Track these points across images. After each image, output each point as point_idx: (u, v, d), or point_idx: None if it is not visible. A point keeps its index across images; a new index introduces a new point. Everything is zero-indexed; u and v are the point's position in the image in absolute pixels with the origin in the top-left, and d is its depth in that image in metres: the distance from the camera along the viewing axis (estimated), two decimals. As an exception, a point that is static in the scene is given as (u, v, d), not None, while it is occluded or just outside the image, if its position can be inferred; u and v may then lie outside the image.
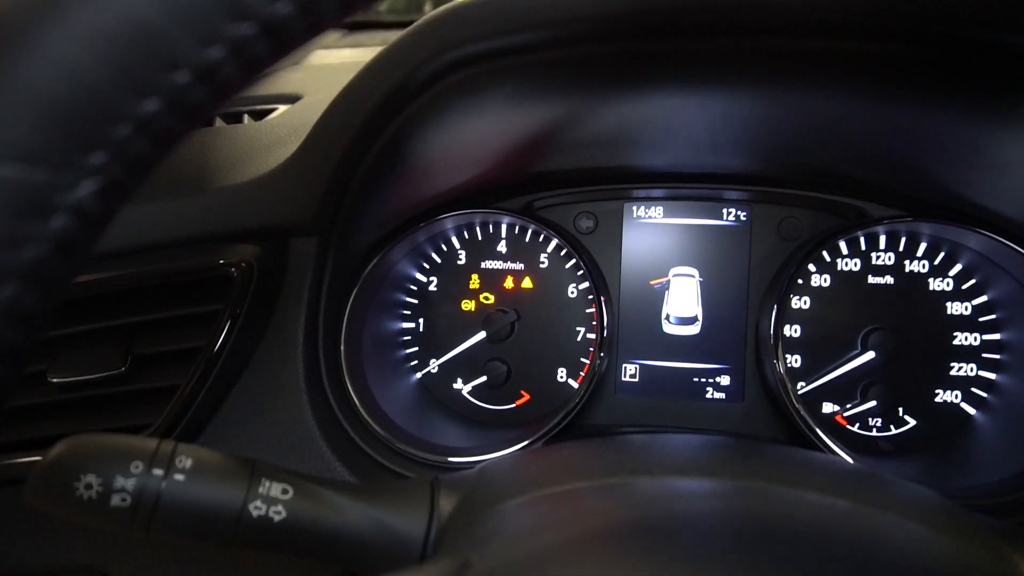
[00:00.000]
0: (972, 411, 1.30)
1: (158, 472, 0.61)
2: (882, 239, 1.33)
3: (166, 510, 0.61)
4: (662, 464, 0.67)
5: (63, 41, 0.33)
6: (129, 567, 1.13)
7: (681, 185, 1.40)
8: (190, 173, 1.17)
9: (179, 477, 0.62)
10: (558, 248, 1.43)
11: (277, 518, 0.63)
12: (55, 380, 1.08)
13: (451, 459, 1.23)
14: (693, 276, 1.42)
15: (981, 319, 1.30)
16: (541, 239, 1.44)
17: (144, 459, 0.61)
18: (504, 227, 1.45)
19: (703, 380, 1.41)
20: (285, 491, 0.64)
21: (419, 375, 1.47)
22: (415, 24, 0.93)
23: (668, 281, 1.43)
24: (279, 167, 1.10)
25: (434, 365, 1.46)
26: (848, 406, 1.33)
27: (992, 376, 1.30)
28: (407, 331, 1.48)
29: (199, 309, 1.10)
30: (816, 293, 1.36)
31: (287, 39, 0.37)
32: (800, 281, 1.35)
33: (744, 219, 1.41)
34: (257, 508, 0.62)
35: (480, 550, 0.56)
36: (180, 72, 0.35)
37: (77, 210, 0.35)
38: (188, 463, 0.63)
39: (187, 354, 1.09)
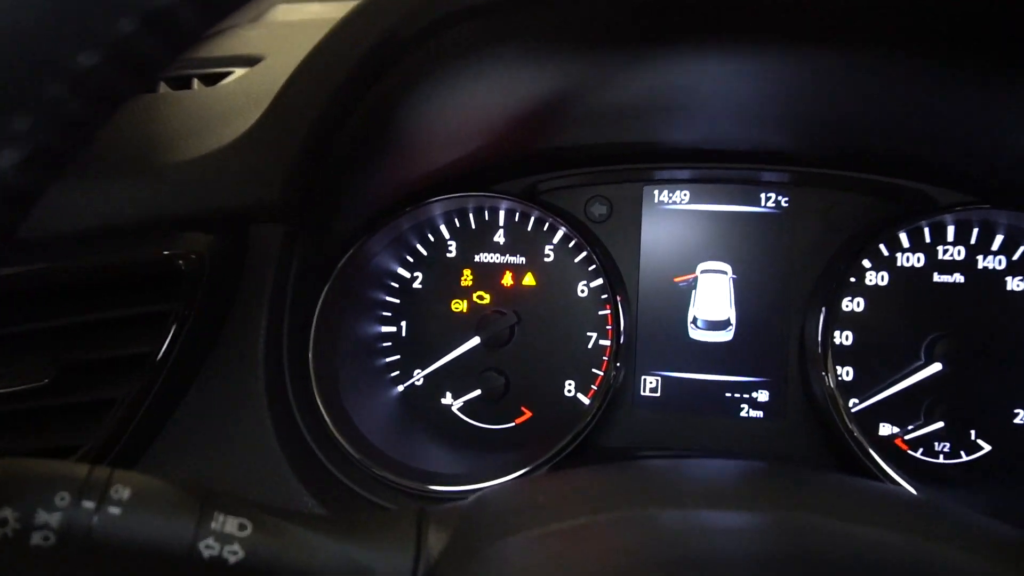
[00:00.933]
0: (1056, 434, 1.30)
1: (89, 504, 0.60)
2: (950, 230, 1.33)
3: (99, 550, 0.59)
4: (690, 494, 0.66)
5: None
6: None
7: (711, 165, 1.40)
8: (130, 148, 1.15)
9: (114, 510, 0.60)
10: (566, 239, 1.42)
11: (233, 559, 0.62)
12: (-33, 393, 1.08)
13: (440, 487, 1.22)
14: (725, 273, 1.42)
15: (1069, 325, 1.30)
16: (546, 228, 1.43)
17: (72, 488, 0.60)
18: (502, 214, 1.44)
19: (737, 395, 1.41)
20: (243, 526, 0.63)
21: (401, 388, 1.47)
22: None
23: (695, 278, 1.43)
24: (236, 141, 1.09)
25: (419, 376, 1.46)
26: (910, 427, 1.33)
27: (1083, 392, 1.29)
28: (388, 336, 1.47)
29: (141, 309, 1.09)
30: (871, 293, 1.35)
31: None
32: (852, 279, 1.35)
33: (785, 205, 1.41)
34: (209, 547, 0.61)
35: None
36: (125, 18, 0.33)
37: (-4, 184, 0.33)
38: (126, 493, 0.61)
39: (126, 363, 1.08)
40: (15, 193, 0.34)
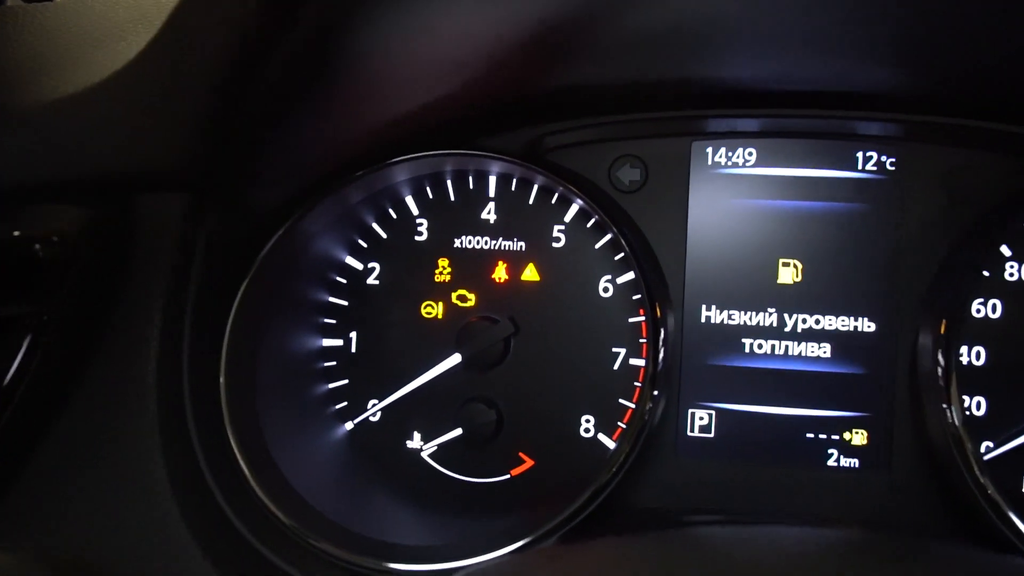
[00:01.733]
0: None
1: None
2: None
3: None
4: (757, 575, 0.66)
5: None
6: None
7: (787, 112, 1.39)
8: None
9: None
10: (583, 216, 1.42)
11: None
12: None
13: (403, 566, 1.22)
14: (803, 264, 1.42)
15: None
16: (554, 201, 1.43)
17: None
18: (493, 181, 1.45)
19: (823, 436, 1.41)
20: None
21: (351, 425, 1.47)
22: None
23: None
24: (116, 74, 1.07)
25: (375, 409, 1.46)
26: (1067, 481, 1.32)
27: None
28: (332, 352, 1.48)
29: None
30: (1013, 293, 1.35)
31: None
32: (986, 273, 1.34)
33: (892, 168, 1.40)
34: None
35: None
36: None
37: None
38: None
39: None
40: None
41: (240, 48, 1.02)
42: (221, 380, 1.25)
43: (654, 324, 1.34)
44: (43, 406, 1.12)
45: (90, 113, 1.08)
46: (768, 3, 1.12)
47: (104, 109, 1.08)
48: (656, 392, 1.32)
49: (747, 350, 1.43)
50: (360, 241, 1.46)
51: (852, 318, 1.40)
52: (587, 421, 1.43)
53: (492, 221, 1.44)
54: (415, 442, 1.46)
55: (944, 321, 1.29)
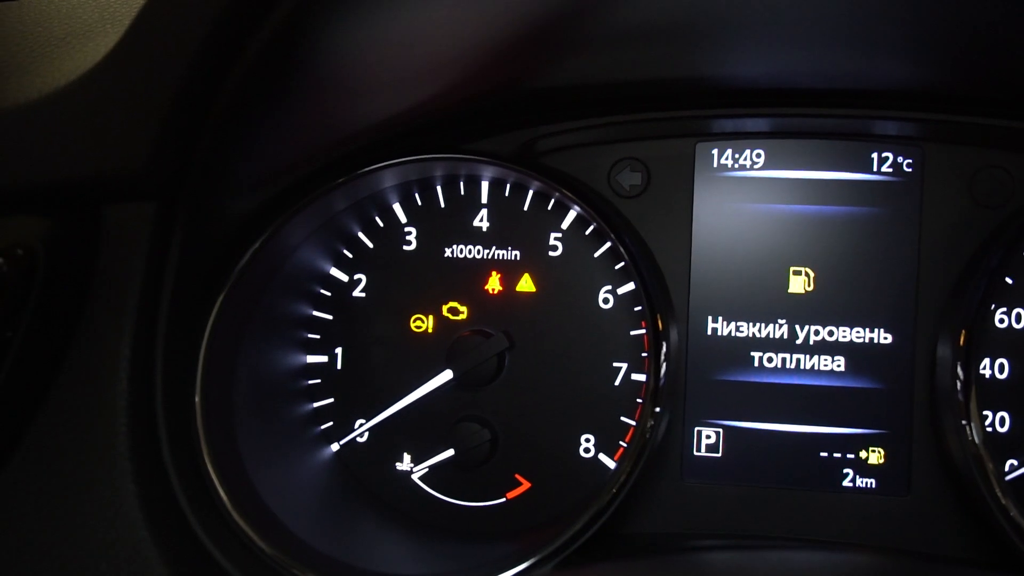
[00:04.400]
0: None
1: None
2: None
3: None
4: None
5: None
6: None
7: (797, 111, 1.40)
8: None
9: None
10: (581, 222, 1.43)
11: None
12: None
13: None
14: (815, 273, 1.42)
15: None
16: (550, 207, 1.44)
17: None
18: (486, 186, 1.45)
19: (838, 455, 1.41)
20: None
21: (336, 447, 1.47)
22: None
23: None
24: (83, 77, 1.08)
25: (362, 429, 1.46)
26: (1096, 502, 1.32)
27: None
28: (315, 370, 1.48)
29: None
30: (1040, 302, 1.35)
31: None
32: (1010, 280, 1.35)
33: (911, 170, 1.40)
34: None
35: None
36: None
37: None
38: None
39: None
40: None
41: (209, 48, 1.03)
42: (196, 400, 1.25)
43: (656, 337, 1.34)
44: (5, 431, 1.12)
45: (55, 117, 1.09)
46: (776, 7, 1.12)
47: (69, 112, 1.09)
48: (659, 409, 1.32)
49: (756, 364, 1.43)
50: (345, 251, 1.47)
51: (867, 329, 1.40)
52: (587, 441, 1.43)
53: (485, 229, 1.45)
54: (405, 464, 1.46)
55: (964, 332, 1.29)
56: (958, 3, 1.12)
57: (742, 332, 1.43)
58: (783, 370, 1.42)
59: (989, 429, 1.34)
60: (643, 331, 1.40)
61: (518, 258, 1.44)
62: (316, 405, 1.47)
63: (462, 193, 1.45)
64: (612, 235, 1.36)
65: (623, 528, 1.39)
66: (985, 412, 1.33)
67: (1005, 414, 1.34)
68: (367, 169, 1.35)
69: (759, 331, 1.43)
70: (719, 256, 1.44)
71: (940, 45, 1.23)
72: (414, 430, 1.45)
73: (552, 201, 1.42)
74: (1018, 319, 1.35)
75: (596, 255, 1.42)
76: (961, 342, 1.28)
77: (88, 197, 1.15)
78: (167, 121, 1.07)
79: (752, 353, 1.43)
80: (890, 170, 1.41)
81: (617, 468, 1.37)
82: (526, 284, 1.44)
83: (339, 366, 1.47)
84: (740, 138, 1.44)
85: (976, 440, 1.26)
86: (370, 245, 1.46)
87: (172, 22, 1.03)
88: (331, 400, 1.47)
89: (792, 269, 1.42)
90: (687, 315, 1.43)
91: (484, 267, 1.44)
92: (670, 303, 1.40)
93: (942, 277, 1.38)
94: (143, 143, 1.09)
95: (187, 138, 1.11)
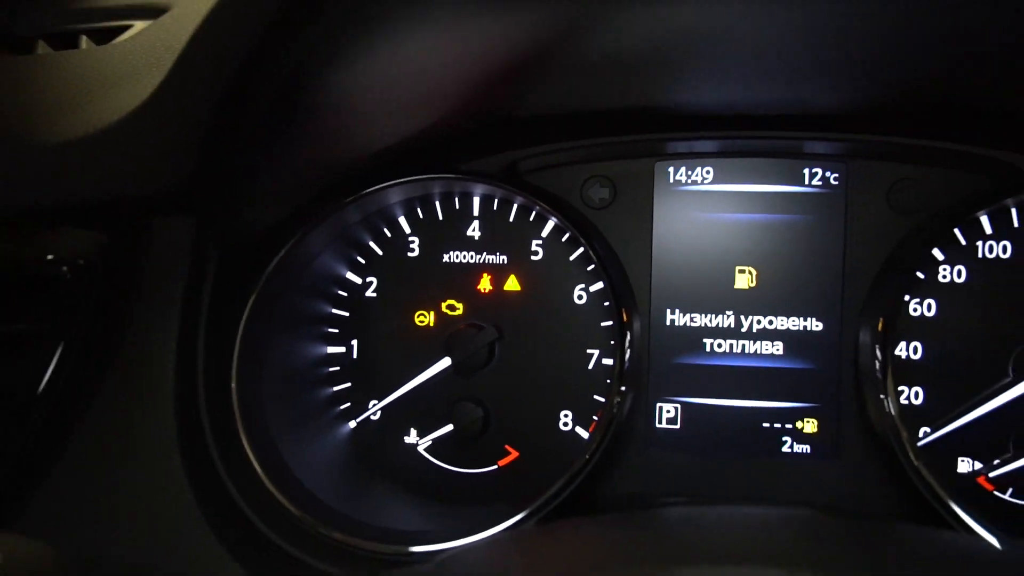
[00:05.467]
0: None
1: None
2: (1045, 211, 1.34)
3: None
4: (712, 550, 0.66)
5: None
6: None
7: (741, 133, 1.40)
8: None
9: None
10: (558, 231, 1.43)
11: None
12: None
13: (401, 548, 1.23)
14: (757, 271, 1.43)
15: None
16: (532, 218, 1.44)
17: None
18: (477, 201, 1.45)
19: (777, 426, 1.41)
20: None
21: (353, 424, 1.47)
22: None
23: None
24: (133, 111, 1.08)
25: (375, 409, 1.46)
26: (995, 463, 1.33)
27: None
28: (335, 359, 1.48)
29: (10, 329, 1.09)
30: (946, 294, 1.36)
31: None
32: (922, 276, 1.35)
33: (836, 183, 1.41)
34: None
35: None
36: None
37: None
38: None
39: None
40: None
41: (237, 86, 1.03)
42: (232, 386, 1.26)
43: (622, 327, 1.35)
44: (72, 413, 1.12)
45: (110, 146, 1.09)
46: (722, 37, 1.12)
47: (122, 142, 1.09)
48: (624, 388, 1.33)
49: (708, 349, 1.43)
50: (358, 258, 1.47)
51: (801, 319, 1.41)
52: (565, 416, 1.43)
53: (477, 237, 1.45)
54: (412, 438, 1.46)
55: (882, 319, 1.30)
56: (875, 41, 1.13)
57: (696, 322, 1.43)
58: (731, 354, 1.43)
59: (905, 402, 1.34)
60: (611, 323, 1.40)
61: (505, 262, 1.44)
62: (335, 389, 1.47)
63: (457, 207, 1.45)
64: (584, 242, 1.36)
65: (595, 490, 1.39)
66: (901, 388, 1.34)
67: (919, 389, 1.35)
68: (375, 188, 1.36)
69: (710, 321, 1.43)
70: (676, 258, 1.44)
71: (859, 78, 1.24)
72: (419, 409, 1.45)
73: (533, 213, 1.42)
74: (929, 308, 1.35)
75: (571, 258, 1.43)
76: (880, 328, 1.29)
77: (137, 213, 1.15)
78: (204, 147, 1.08)
79: (704, 340, 1.43)
80: (819, 183, 1.41)
81: (590, 439, 1.38)
82: (512, 284, 1.44)
83: (354, 355, 1.47)
84: (692, 157, 1.44)
85: (893, 412, 1.27)
86: (379, 252, 1.46)
87: (205, 65, 1.03)
88: (348, 384, 1.47)
89: (738, 268, 1.43)
90: (649, 308, 1.43)
91: (476, 270, 1.44)
92: (634, 298, 1.41)
93: (864, 273, 1.39)
94: (184, 166, 1.09)
95: (220, 161, 1.11)
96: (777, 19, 1.06)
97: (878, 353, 1.29)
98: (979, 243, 1.35)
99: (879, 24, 1.06)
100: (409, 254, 1.46)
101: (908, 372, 1.35)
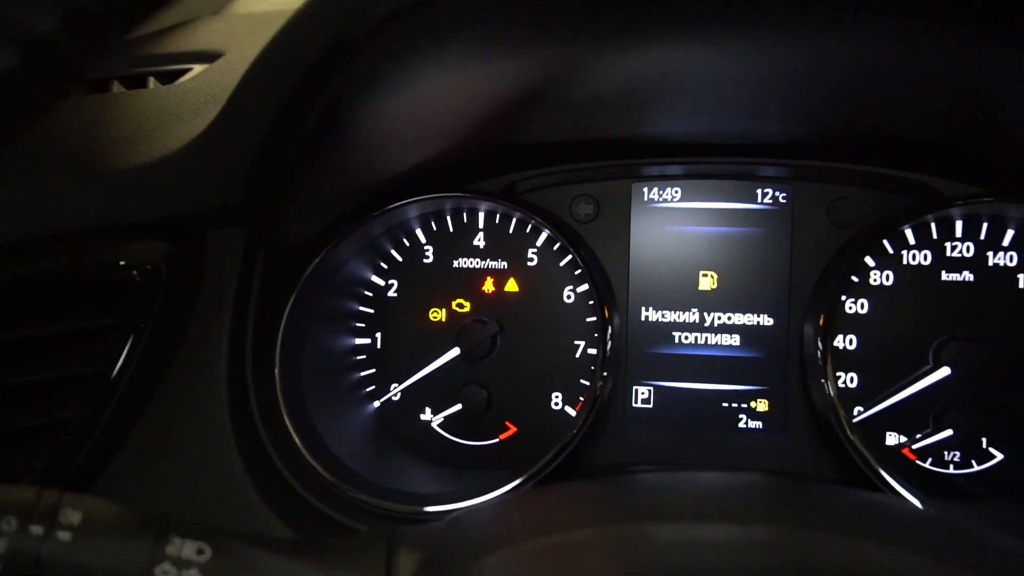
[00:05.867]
0: (1075, 441, 1.31)
1: (37, 530, 0.60)
2: (958, 225, 1.34)
3: (48, 578, 0.59)
4: (678, 508, 0.67)
5: None
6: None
7: (704, 159, 1.41)
8: (80, 150, 1.15)
9: (64, 536, 0.60)
10: (550, 241, 1.43)
11: (191, 585, 0.62)
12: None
13: (419, 508, 1.23)
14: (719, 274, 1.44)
15: (1085, 325, 1.31)
16: (528, 230, 1.44)
17: (19, 514, 0.60)
18: (481, 215, 1.45)
19: (734, 405, 1.42)
20: (201, 551, 0.63)
21: (377, 404, 1.47)
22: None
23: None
24: (193, 142, 1.09)
25: (396, 391, 1.46)
26: (918, 436, 1.34)
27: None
28: (361, 349, 1.47)
29: (91, 323, 1.09)
30: (876, 294, 1.36)
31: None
32: (855, 279, 1.36)
33: (784, 201, 1.41)
34: (165, 572, 0.61)
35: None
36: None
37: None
38: (76, 518, 0.61)
39: (75, 382, 1.08)
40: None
41: (279, 121, 1.04)
42: (276, 372, 1.26)
43: (604, 322, 1.35)
44: (138, 394, 1.12)
45: (175, 170, 1.09)
46: (687, 81, 1.14)
47: (185, 166, 1.10)
48: (606, 374, 1.33)
49: (676, 341, 1.44)
50: (381, 263, 1.47)
51: (755, 315, 1.42)
52: (556, 397, 1.43)
53: (481, 246, 1.45)
54: (426, 415, 1.46)
55: (823, 316, 1.31)
56: (809, 88, 1.15)
57: (666, 318, 1.44)
58: (696, 345, 1.43)
59: (842, 386, 1.35)
60: (595, 318, 1.41)
61: (506, 267, 1.44)
62: (362, 374, 1.47)
63: (465, 221, 1.45)
64: (572, 250, 1.37)
65: (582, 459, 1.40)
66: (839, 373, 1.35)
67: (853, 375, 1.36)
68: (396, 204, 1.37)
69: (678, 317, 1.44)
70: (649, 264, 1.44)
71: (801, 114, 1.25)
72: (432, 391, 1.45)
73: (529, 226, 1.43)
74: (862, 306, 1.36)
75: (561, 264, 1.43)
76: (821, 323, 1.31)
77: (197, 227, 1.15)
78: (253, 172, 1.09)
79: (674, 333, 1.44)
80: (770, 201, 1.42)
81: (577, 416, 1.38)
82: (512, 285, 1.44)
83: (378, 346, 1.47)
84: (663, 179, 1.44)
85: (832, 394, 1.28)
86: (399, 259, 1.46)
87: (253, 103, 1.04)
88: (372, 370, 1.47)
89: (701, 272, 1.43)
90: (627, 306, 1.44)
91: (481, 274, 1.45)
92: (614, 298, 1.41)
93: (807, 277, 1.40)
94: (236, 188, 1.10)
95: (267, 184, 1.12)
96: (731, 67, 1.08)
97: (819, 344, 1.30)
98: (904, 252, 1.36)
99: (814, 72, 1.09)
100: (424, 260, 1.46)
101: (845, 360, 1.36)
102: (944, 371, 1.30)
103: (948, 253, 1.34)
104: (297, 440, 1.24)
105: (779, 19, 0.97)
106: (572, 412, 1.42)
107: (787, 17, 0.97)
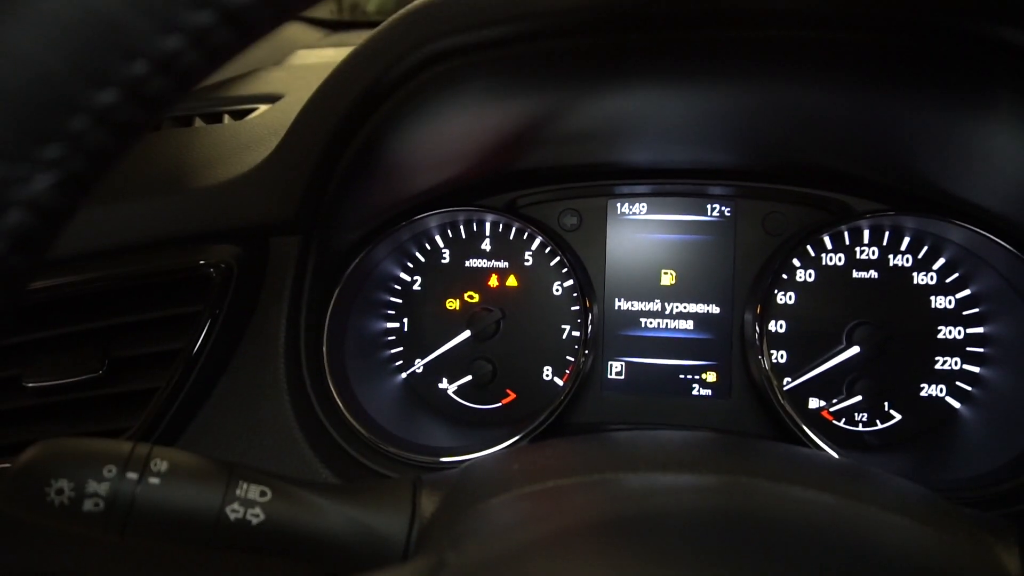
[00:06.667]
0: (957, 405, 1.31)
1: (132, 476, 0.60)
2: (866, 233, 1.34)
3: (141, 514, 0.60)
4: (645, 459, 0.66)
5: (16, 30, 0.32)
6: (108, 570, 1.12)
7: (665, 181, 1.40)
8: (169, 173, 1.16)
9: (154, 481, 0.61)
10: (542, 246, 1.42)
11: (255, 520, 0.62)
12: (31, 385, 1.07)
13: (437, 459, 1.22)
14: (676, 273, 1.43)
15: (965, 313, 1.31)
16: (525, 237, 1.43)
17: (118, 463, 0.60)
18: (488, 225, 1.44)
19: (689, 377, 1.42)
20: (263, 493, 0.63)
21: (404, 375, 1.46)
22: (389, 20, 0.92)
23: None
24: (258, 166, 1.10)
25: (419, 365, 1.45)
26: (834, 401, 1.33)
27: (976, 370, 1.30)
28: (391, 331, 1.47)
29: (178, 310, 1.09)
30: (801, 288, 1.36)
31: (248, 27, 0.36)
32: (785, 276, 1.36)
33: (728, 214, 1.41)
34: (235, 511, 0.61)
35: (458, 548, 0.55)
36: (138, 62, 0.33)
37: (33, 205, 0.33)
38: (163, 466, 0.62)
39: (165, 356, 1.08)
40: (52, 212, 0.34)
41: (328, 150, 1.04)
42: (324, 350, 1.25)
43: (585, 311, 1.35)
44: (215, 366, 1.12)
45: (244, 189, 1.10)
46: (652, 118, 1.14)
47: (252, 186, 1.10)
48: (587, 352, 1.34)
49: (643, 325, 1.43)
50: (408, 263, 1.46)
51: (706, 305, 1.41)
52: (547, 370, 1.43)
53: (488, 249, 1.44)
54: (444, 384, 1.45)
55: (759, 306, 1.30)
56: (746, 126, 1.15)
57: (635, 307, 1.43)
58: (658, 329, 1.43)
59: (774, 361, 1.35)
60: (578, 307, 1.40)
61: (507, 266, 1.43)
62: (392, 351, 1.46)
63: (475, 229, 1.44)
64: (560, 253, 1.37)
65: (568, 420, 1.40)
66: (772, 351, 1.35)
67: (783, 352, 1.36)
68: (420, 216, 1.36)
69: (644, 307, 1.43)
70: (622, 264, 1.44)
71: (741, 146, 1.25)
72: (448, 365, 1.44)
73: (526, 234, 1.42)
74: (790, 298, 1.35)
75: (551, 264, 1.42)
76: (758, 312, 1.30)
77: (261, 234, 1.15)
78: (306, 191, 1.08)
79: (641, 319, 1.43)
80: (717, 214, 1.41)
81: (564, 386, 1.37)
82: (512, 281, 1.43)
83: (405, 329, 1.46)
84: (633, 197, 1.44)
85: (767, 367, 1.28)
86: (422, 259, 1.45)
87: (307, 134, 1.04)
88: (400, 349, 1.46)
89: (663, 271, 1.43)
90: (604, 298, 1.44)
91: (488, 272, 1.44)
92: (594, 291, 1.41)
93: (747, 275, 1.39)
94: (292, 203, 1.10)
95: (318, 198, 1.12)
96: (687, 109, 1.10)
97: (756, 328, 1.30)
98: (823, 255, 1.35)
99: (753, 114, 1.10)
100: (442, 261, 1.45)
101: (776, 341, 1.36)
102: (855, 349, 1.30)
103: (858, 256, 1.34)
104: (340, 404, 1.23)
105: (721, 77, 1.01)
106: (560, 382, 1.42)
107: (728, 75, 1.00)
